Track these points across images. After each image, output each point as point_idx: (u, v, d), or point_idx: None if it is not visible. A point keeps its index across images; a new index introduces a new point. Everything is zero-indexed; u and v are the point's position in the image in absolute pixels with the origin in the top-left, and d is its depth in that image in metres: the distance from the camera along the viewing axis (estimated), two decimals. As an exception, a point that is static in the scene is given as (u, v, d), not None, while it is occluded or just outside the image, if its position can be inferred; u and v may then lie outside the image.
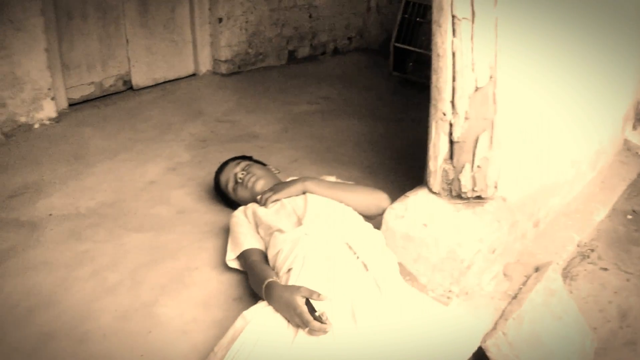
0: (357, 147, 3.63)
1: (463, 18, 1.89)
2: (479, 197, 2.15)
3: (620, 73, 2.87)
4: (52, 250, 2.48)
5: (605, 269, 2.41)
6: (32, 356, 1.93)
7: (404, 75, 4.95)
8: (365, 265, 1.96)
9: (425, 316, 1.95)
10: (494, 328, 1.92)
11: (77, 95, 4.07)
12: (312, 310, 1.73)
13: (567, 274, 2.37)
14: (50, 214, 2.75)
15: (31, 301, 2.17)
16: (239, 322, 1.81)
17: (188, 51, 4.80)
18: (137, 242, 2.54)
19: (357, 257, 1.99)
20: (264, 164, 2.71)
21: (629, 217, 2.77)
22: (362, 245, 2.03)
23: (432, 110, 2.10)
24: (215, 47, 4.85)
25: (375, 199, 2.33)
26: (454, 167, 2.13)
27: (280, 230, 2.14)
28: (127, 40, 4.30)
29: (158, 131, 3.78)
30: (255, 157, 2.81)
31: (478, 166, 2.08)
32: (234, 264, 2.28)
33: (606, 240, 2.61)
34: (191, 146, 3.58)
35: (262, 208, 2.31)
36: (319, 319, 1.71)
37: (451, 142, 2.10)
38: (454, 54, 1.95)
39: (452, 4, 1.89)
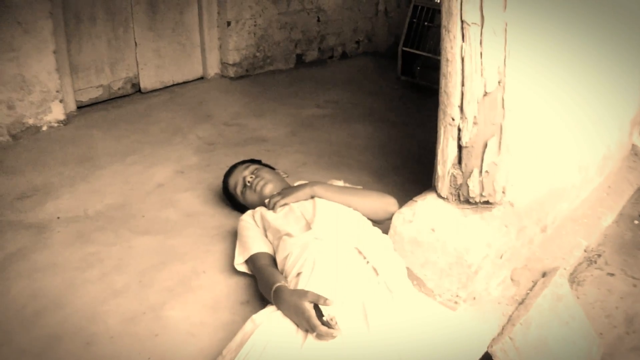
0: (365, 151, 3.63)
1: (472, 23, 1.89)
2: (486, 202, 2.14)
3: (628, 78, 2.87)
4: (60, 253, 2.48)
5: (612, 275, 2.41)
6: (39, 359, 1.93)
7: (412, 79, 4.94)
8: (375, 270, 1.96)
9: (432, 321, 1.95)
10: (501, 333, 1.92)
11: (85, 98, 4.07)
12: (320, 314, 1.73)
13: (574, 280, 2.37)
14: (58, 217, 2.76)
15: (38, 303, 2.17)
16: (248, 326, 1.81)
17: (196, 54, 4.80)
18: (145, 245, 2.55)
19: (367, 262, 1.98)
20: (272, 168, 2.71)
21: (636, 222, 2.77)
22: (371, 250, 2.03)
23: (441, 115, 2.10)
24: (223, 50, 4.86)
25: (383, 203, 2.33)
26: (462, 172, 2.13)
27: (289, 234, 2.14)
28: (136, 43, 4.31)
29: (166, 134, 3.78)
30: (264, 160, 2.81)
31: (486, 171, 2.07)
32: (243, 267, 2.28)
33: (613, 245, 2.60)
34: (199, 149, 3.59)
35: (271, 212, 2.31)
36: (327, 323, 1.71)
37: (460, 147, 2.10)
38: (462, 59, 1.95)
39: (461, 9, 1.89)
